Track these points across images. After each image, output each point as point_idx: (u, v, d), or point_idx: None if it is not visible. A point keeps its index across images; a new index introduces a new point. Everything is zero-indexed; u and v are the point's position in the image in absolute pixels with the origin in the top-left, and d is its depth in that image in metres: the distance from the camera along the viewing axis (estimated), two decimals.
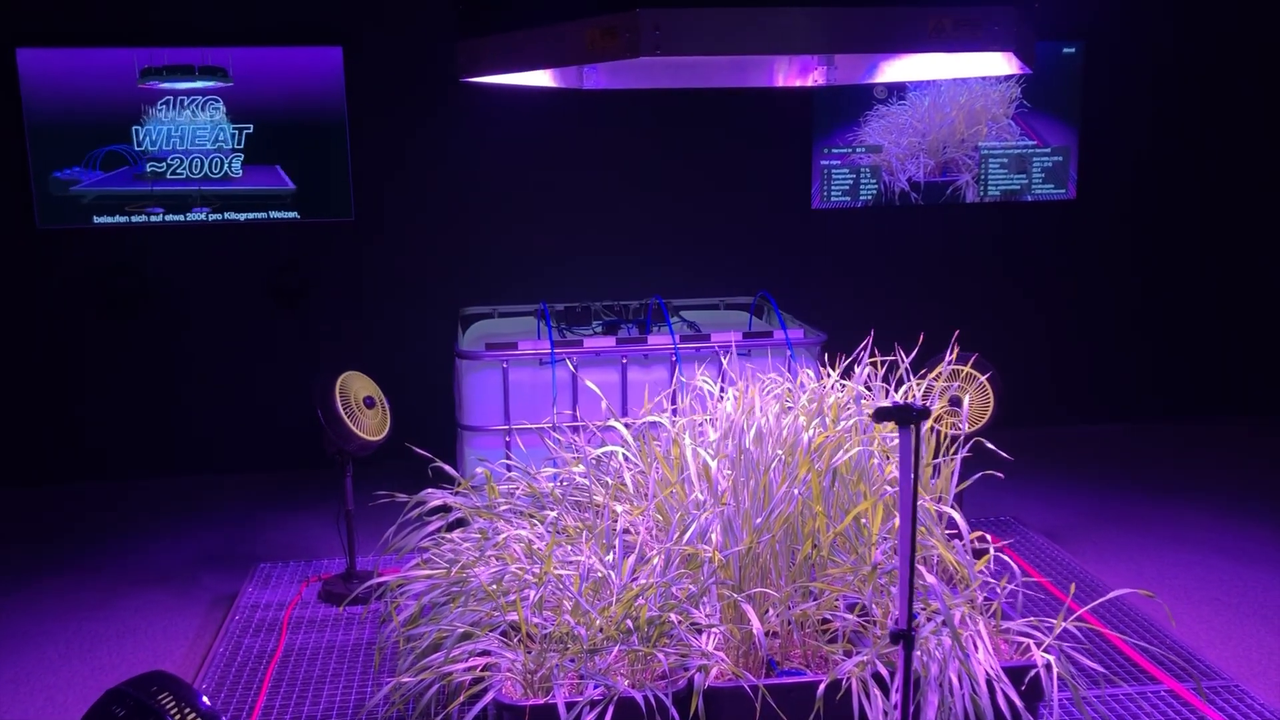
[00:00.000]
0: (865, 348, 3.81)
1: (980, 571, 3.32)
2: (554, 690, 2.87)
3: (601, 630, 3.05)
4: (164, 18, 5.81)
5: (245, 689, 3.77)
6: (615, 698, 2.83)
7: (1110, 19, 6.50)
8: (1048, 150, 6.60)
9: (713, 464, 3.44)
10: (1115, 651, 3.88)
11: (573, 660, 2.99)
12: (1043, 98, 6.53)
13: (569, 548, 3.42)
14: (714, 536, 3.27)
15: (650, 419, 3.96)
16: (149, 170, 5.86)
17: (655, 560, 3.27)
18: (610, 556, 3.31)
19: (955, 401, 4.40)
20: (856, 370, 3.79)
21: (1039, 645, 3.06)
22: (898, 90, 6.45)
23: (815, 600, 3.22)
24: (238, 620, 4.33)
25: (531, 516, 3.65)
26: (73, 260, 5.97)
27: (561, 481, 3.88)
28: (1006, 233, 6.70)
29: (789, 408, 3.66)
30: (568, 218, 6.29)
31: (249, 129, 5.92)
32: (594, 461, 3.89)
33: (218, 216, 5.96)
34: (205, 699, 2.24)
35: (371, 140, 6.07)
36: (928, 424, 3.68)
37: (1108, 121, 6.62)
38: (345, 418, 4.33)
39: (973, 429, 4.41)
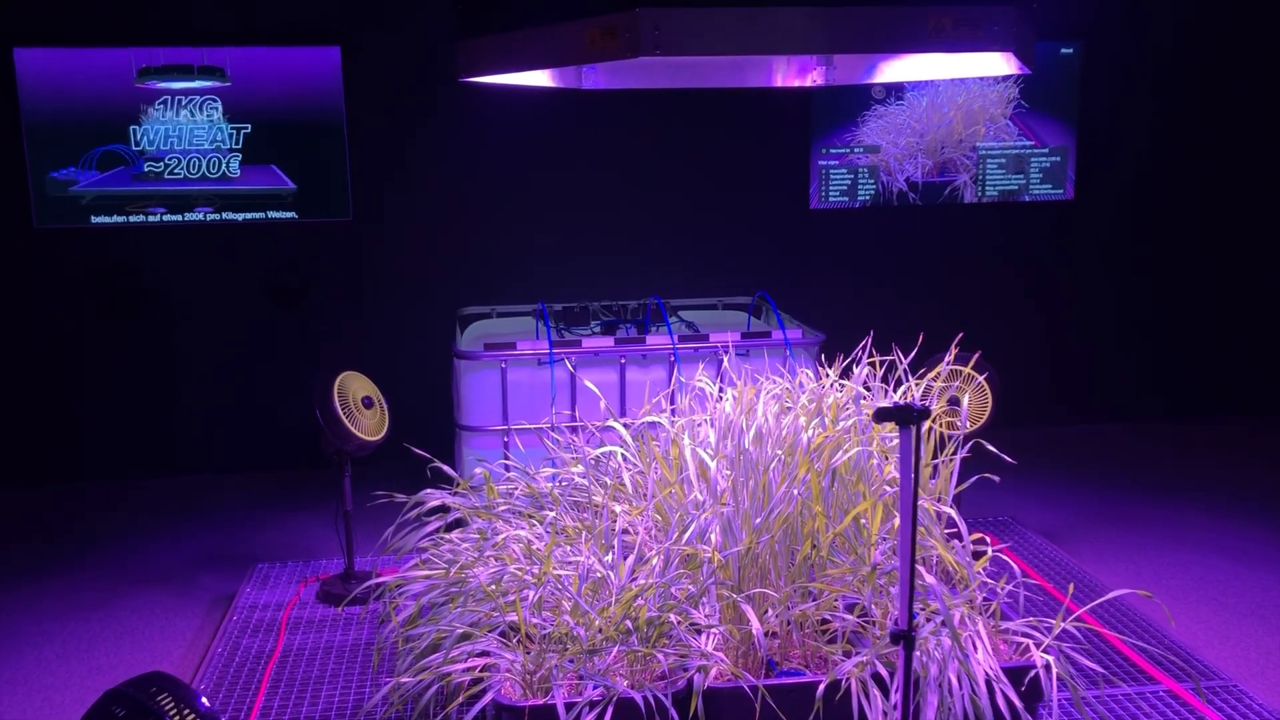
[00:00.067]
0: (864, 348, 3.81)
1: (979, 572, 3.32)
2: (553, 691, 2.86)
3: (601, 631, 3.05)
4: (161, 17, 5.80)
5: (243, 689, 3.77)
6: (614, 698, 2.83)
7: (1108, 19, 6.51)
8: (1045, 150, 6.61)
9: (712, 464, 3.43)
10: (1114, 652, 3.88)
11: (572, 661, 2.99)
12: (1041, 98, 6.54)
13: (568, 548, 3.41)
14: (713, 537, 3.27)
15: (649, 419, 3.95)
16: (147, 170, 5.86)
17: (654, 561, 3.26)
18: (609, 557, 3.31)
19: (954, 402, 4.40)
20: (855, 370, 3.79)
21: (1038, 646, 3.06)
22: (896, 90, 6.45)
23: (814, 601, 3.22)
24: (236, 620, 4.32)
25: (530, 517, 3.65)
26: (71, 260, 5.96)
27: (560, 482, 3.88)
28: (1004, 233, 6.70)
29: (788, 408, 3.66)
30: (566, 218, 6.29)
31: (247, 129, 5.92)
32: (593, 462, 3.89)
33: (215, 216, 5.95)
34: (204, 700, 2.23)
35: (370, 140, 6.07)
36: (927, 424, 3.68)
37: (1105, 122, 6.62)
38: (344, 418, 4.32)
39: (971, 429, 4.41)
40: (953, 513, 3.39)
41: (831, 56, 3.85)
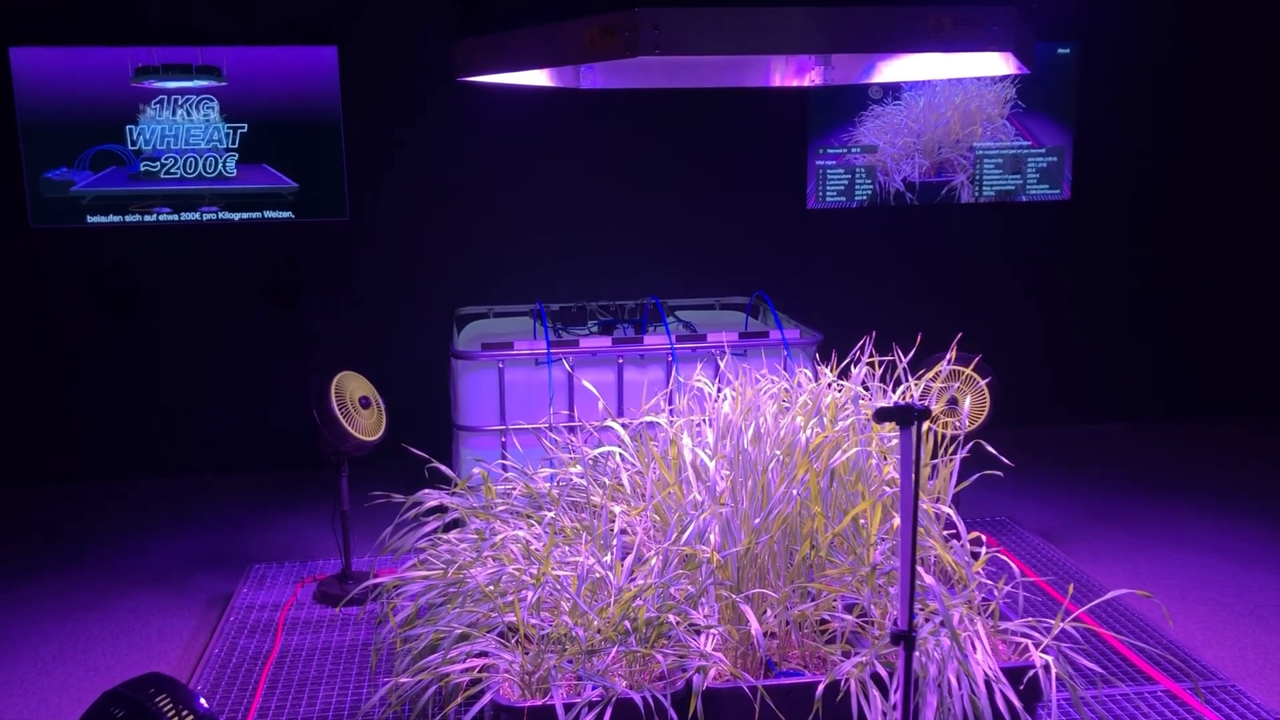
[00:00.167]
0: (862, 348, 3.81)
1: (978, 572, 3.31)
2: (552, 691, 2.86)
3: (599, 631, 3.05)
4: (158, 17, 5.79)
5: (241, 690, 3.76)
6: (613, 699, 2.82)
7: (1105, 20, 6.51)
8: (1042, 150, 6.61)
9: (710, 464, 3.43)
10: (1112, 652, 3.88)
11: (571, 661, 2.98)
12: (1038, 98, 6.54)
13: (566, 548, 3.41)
14: (712, 537, 3.26)
15: (648, 419, 3.95)
16: (143, 170, 5.84)
17: (653, 561, 3.26)
18: (608, 557, 3.31)
19: (952, 402, 4.40)
20: (854, 370, 3.78)
21: (1037, 646, 3.05)
22: (893, 90, 6.45)
23: (813, 601, 3.22)
24: (233, 621, 4.31)
25: (529, 517, 3.64)
26: (66, 260, 5.95)
27: (558, 482, 3.87)
28: (1001, 233, 6.71)
29: (786, 408, 3.66)
30: (563, 217, 6.28)
31: (243, 129, 5.91)
32: (591, 462, 3.88)
33: (212, 216, 5.94)
34: (202, 700, 2.23)
35: (367, 140, 6.06)
36: (926, 425, 3.67)
37: (1102, 122, 6.62)
38: (341, 418, 4.31)
39: (969, 429, 4.41)
40: (952, 513, 3.39)
41: (830, 56, 3.85)
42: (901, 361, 3.77)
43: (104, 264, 5.97)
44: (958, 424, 4.19)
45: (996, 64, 3.23)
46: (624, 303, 5.61)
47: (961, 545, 3.36)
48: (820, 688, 2.85)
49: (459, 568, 3.32)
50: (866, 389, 3.73)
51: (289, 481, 6.05)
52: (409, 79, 6.02)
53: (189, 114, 5.84)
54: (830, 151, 6.45)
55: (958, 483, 3.59)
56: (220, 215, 5.95)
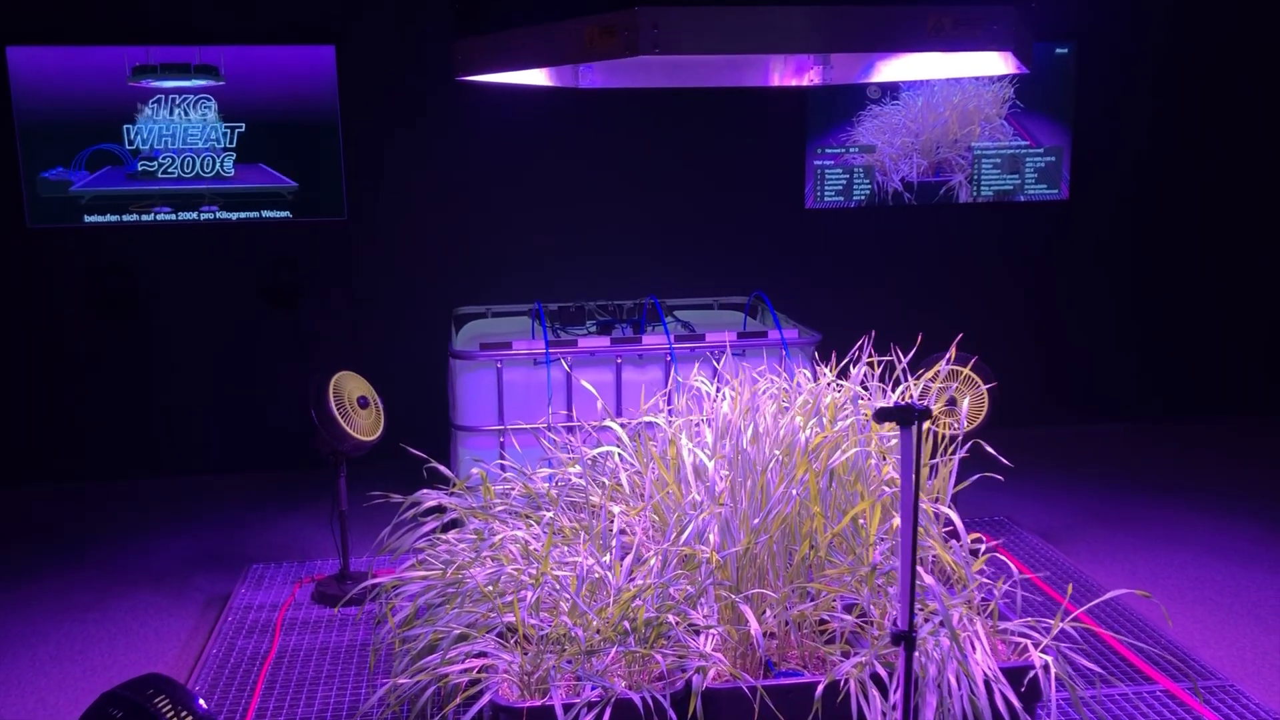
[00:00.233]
0: (861, 348, 3.81)
1: (977, 572, 3.31)
2: (551, 692, 2.85)
3: (599, 631, 3.04)
4: (156, 16, 5.78)
5: (239, 691, 3.75)
6: (613, 699, 2.82)
7: (1103, 19, 6.51)
8: (1040, 150, 6.61)
9: (710, 464, 3.42)
10: (1110, 652, 3.88)
11: (570, 662, 2.98)
12: (1035, 98, 6.54)
13: (565, 549, 3.40)
14: (711, 537, 3.26)
15: (647, 419, 3.94)
16: (140, 169, 5.83)
17: (652, 561, 3.26)
18: (607, 557, 3.30)
19: (951, 402, 4.40)
20: (853, 370, 3.78)
21: (1036, 646, 3.05)
22: (891, 90, 6.45)
23: (813, 601, 3.21)
24: (231, 621, 4.30)
25: (527, 517, 3.64)
26: (64, 260, 5.94)
27: (557, 482, 3.87)
28: (999, 233, 6.71)
29: (785, 408, 3.65)
30: (562, 217, 6.28)
31: (241, 128, 5.90)
32: (590, 462, 3.88)
33: (209, 216, 5.93)
34: (202, 702, 2.22)
35: (364, 139, 6.05)
36: (925, 425, 3.67)
37: (1100, 121, 6.63)
38: (339, 418, 4.31)
39: (968, 429, 4.41)
40: (951, 513, 3.39)
41: (829, 56, 3.85)
42: (901, 362, 3.77)
43: (102, 264, 5.96)
44: (956, 424, 4.19)
45: (996, 64, 3.23)
46: (622, 302, 5.61)
47: (961, 545, 3.36)
48: (820, 688, 2.85)
49: (458, 568, 3.31)
50: (865, 389, 3.73)
51: (287, 481, 6.05)
52: (407, 78, 6.02)
53: (186, 113, 5.84)
54: (828, 151, 6.45)
55: (956, 483, 3.59)
56: (218, 215, 5.94)
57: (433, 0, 5.90)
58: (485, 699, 2.87)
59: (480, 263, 6.23)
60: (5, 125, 5.71)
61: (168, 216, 5.89)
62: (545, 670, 2.94)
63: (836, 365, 3.91)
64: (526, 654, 3.03)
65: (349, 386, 4.43)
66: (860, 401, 3.60)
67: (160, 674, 2.38)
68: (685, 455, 3.55)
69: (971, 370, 4.49)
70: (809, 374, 3.92)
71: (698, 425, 3.79)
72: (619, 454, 3.82)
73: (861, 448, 3.39)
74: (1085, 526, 5.25)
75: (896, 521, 3.32)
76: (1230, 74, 6.68)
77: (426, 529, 3.60)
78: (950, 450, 3.60)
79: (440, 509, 3.71)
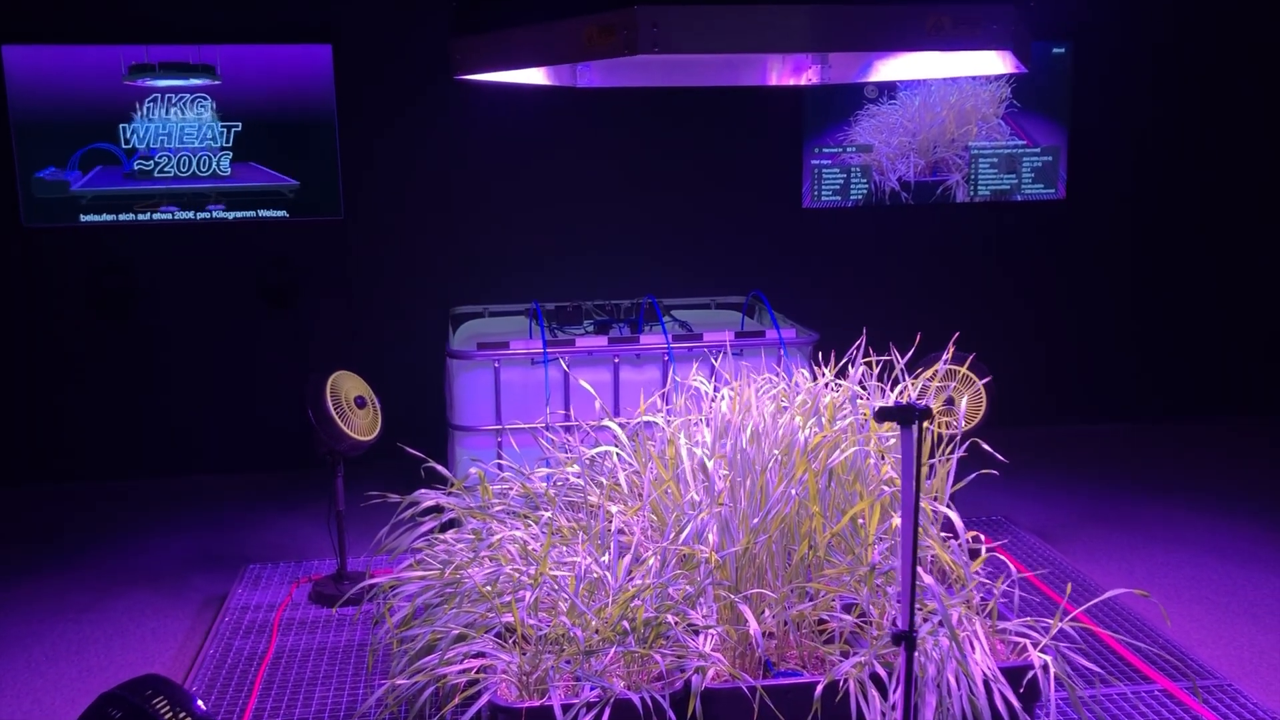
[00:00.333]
0: (859, 347, 3.80)
1: (976, 572, 3.31)
2: (550, 692, 2.85)
3: (598, 632, 3.04)
4: (152, 15, 5.77)
5: (236, 691, 3.74)
6: (612, 699, 2.81)
7: (1100, 19, 6.52)
8: (1037, 150, 6.61)
9: (709, 464, 3.42)
10: (1109, 651, 3.88)
11: (568, 662, 2.97)
12: (1032, 98, 6.54)
13: (564, 548, 3.40)
14: (710, 537, 3.25)
15: (645, 419, 3.94)
16: (137, 169, 5.82)
17: (651, 561, 3.25)
18: (606, 557, 3.30)
19: (949, 402, 4.40)
20: (851, 370, 3.77)
21: (1035, 646, 3.05)
22: (888, 90, 6.45)
23: (812, 601, 3.21)
24: (228, 622, 4.29)
25: (526, 517, 3.63)
26: (60, 259, 5.93)
27: (555, 482, 3.86)
28: (996, 232, 6.71)
29: (784, 407, 3.65)
30: (559, 216, 6.27)
31: (238, 127, 5.89)
32: (588, 462, 3.87)
33: (206, 215, 5.92)
34: (200, 703, 2.21)
35: (361, 139, 6.04)
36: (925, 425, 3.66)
37: (1097, 121, 6.63)
38: (336, 417, 4.30)
39: (966, 429, 4.41)
40: (950, 513, 3.38)
41: (827, 55, 3.85)
42: (899, 361, 3.76)
43: (98, 263, 5.94)
44: (954, 423, 4.19)
45: (995, 63, 3.23)
46: (620, 302, 5.60)
47: (959, 545, 3.35)
48: (819, 688, 2.84)
49: (456, 568, 3.30)
50: (864, 388, 3.72)
51: (284, 481, 6.04)
52: (404, 78, 6.01)
53: (183, 112, 5.82)
54: (825, 151, 6.45)
55: (954, 482, 3.59)
56: (214, 215, 5.93)
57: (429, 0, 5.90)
58: (484, 699, 2.87)
59: (478, 262, 6.22)
60: (1, 124, 5.69)
61: (163, 216, 5.88)
62: (544, 670, 2.94)
63: (834, 365, 3.90)
64: (525, 654, 3.02)
65: (346, 386, 4.42)
66: (859, 401, 3.59)
67: (158, 675, 2.37)
68: (684, 455, 3.55)
69: (969, 369, 4.49)
70: (807, 373, 3.91)
71: (696, 425, 3.78)
72: (617, 454, 3.82)
73: (860, 447, 3.39)
74: (1083, 526, 5.25)
75: (895, 521, 3.32)
76: (1228, 73, 6.69)
77: (424, 529, 3.59)
78: (948, 450, 3.59)
79: (438, 509, 3.71)
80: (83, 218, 5.82)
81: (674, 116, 6.23)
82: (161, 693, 2.25)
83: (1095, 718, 3.40)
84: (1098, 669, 3.49)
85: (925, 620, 3.05)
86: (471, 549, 3.40)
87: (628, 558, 3.28)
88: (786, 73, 4.10)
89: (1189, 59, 6.66)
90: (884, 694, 2.87)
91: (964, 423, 4.38)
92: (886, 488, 3.40)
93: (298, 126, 5.93)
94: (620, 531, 3.49)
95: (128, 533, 5.36)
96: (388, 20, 5.97)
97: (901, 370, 3.75)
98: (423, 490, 3.73)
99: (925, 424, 2.43)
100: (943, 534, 3.46)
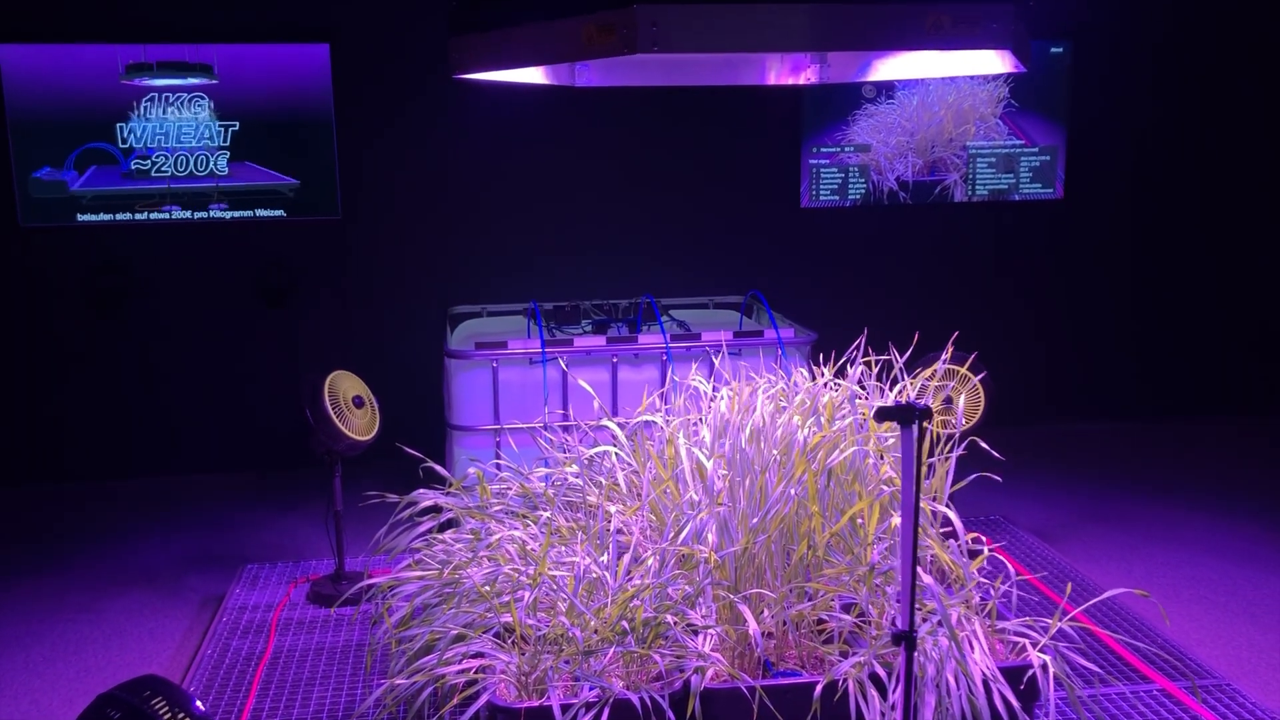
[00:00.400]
0: (858, 347, 3.80)
1: (975, 571, 3.31)
2: (549, 692, 2.84)
3: (596, 632, 3.03)
4: (149, 14, 5.76)
5: (234, 691, 3.74)
6: (611, 700, 2.81)
7: (1098, 18, 6.52)
8: (1035, 150, 6.61)
9: (708, 464, 3.42)
10: (1107, 651, 3.88)
11: (567, 662, 2.97)
12: (1030, 97, 6.54)
13: (563, 548, 3.39)
14: (709, 537, 3.25)
15: (644, 418, 3.93)
16: (134, 168, 5.81)
17: (650, 561, 3.25)
18: (605, 557, 3.29)
19: (948, 401, 4.40)
20: (850, 370, 3.77)
21: (1034, 645, 3.05)
22: (886, 89, 6.45)
23: (811, 601, 3.21)
24: (225, 622, 4.29)
25: (524, 517, 3.63)
26: (56, 259, 5.91)
27: (554, 482, 3.86)
28: (994, 232, 6.71)
29: (783, 407, 3.64)
30: (557, 216, 6.27)
31: (235, 126, 5.88)
32: (587, 461, 3.87)
33: (203, 214, 5.91)
34: (199, 703, 2.21)
35: (359, 138, 6.03)
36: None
37: (1095, 120, 6.63)
38: (334, 417, 4.29)
39: (964, 428, 4.40)
40: (949, 513, 3.38)
41: (826, 54, 3.84)
42: (898, 361, 3.76)
43: (95, 263, 5.93)
44: (953, 423, 4.18)
45: (994, 62, 3.23)
46: (618, 302, 5.60)
47: (958, 545, 3.35)
48: (818, 688, 2.84)
49: (454, 568, 3.30)
50: (863, 388, 3.72)
51: (282, 481, 6.03)
52: (402, 77, 6.00)
53: (180, 112, 5.81)
54: (824, 150, 6.45)
55: (953, 482, 3.59)
56: (211, 214, 5.92)
57: None
58: (482, 699, 2.86)
59: (475, 262, 6.22)
60: None
61: (169, 216, 5.87)
62: (543, 671, 2.94)
63: (833, 365, 3.90)
64: (524, 654, 3.02)
65: (344, 386, 4.41)
66: (858, 401, 3.59)
67: (157, 675, 2.36)
68: (683, 455, 3.54)
69: (967, 369, 4.49)
70: (806, 373, 3.91)
71: (695, 425, 3.78)
72: (616, 454, 3.81)
73: (859, 447, 3.39)
74: (1082, 526, 5.25)
75: (894, 521, 3.32)
76: (1226, 73, 6.69)
77: (423, 529, 3.58)
78: (947, 449, 3.59)
79: (436, 509, 3.70)
80: (80, 217, 5.81)
81: (672, 116, 6.23)
82: (160, 693, 2.25)
83: (1094, 717, 3.40)
84: (1097, 669, 3.49)
85: (924, 620, 3.04)
86: (470, 549, 3.40)
87: (626, 558, 3.27)
88: (785, 72, 4.09)
89: (1187, 58, 6.66)
90: (883, 694, 2.87)
91: (963, 422, 4.38)
92: (885, 487, 3.40)
93: (295, 126, 5.92)
94: (619, 531, 3.48)
95: (125, 532, 5.35)
96: (385, 20, 5.96)
97: (900, 370, 3.75)
98: (421, 490, 3.72)
99: (925, 424, 2.42)
100: (942, 533, 3.46)
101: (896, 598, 3.17)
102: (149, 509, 5.68)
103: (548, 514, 3.59)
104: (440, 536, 3.55)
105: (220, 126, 5.86)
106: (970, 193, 6.60)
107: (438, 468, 3.89)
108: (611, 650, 2.97)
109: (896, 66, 3.74)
